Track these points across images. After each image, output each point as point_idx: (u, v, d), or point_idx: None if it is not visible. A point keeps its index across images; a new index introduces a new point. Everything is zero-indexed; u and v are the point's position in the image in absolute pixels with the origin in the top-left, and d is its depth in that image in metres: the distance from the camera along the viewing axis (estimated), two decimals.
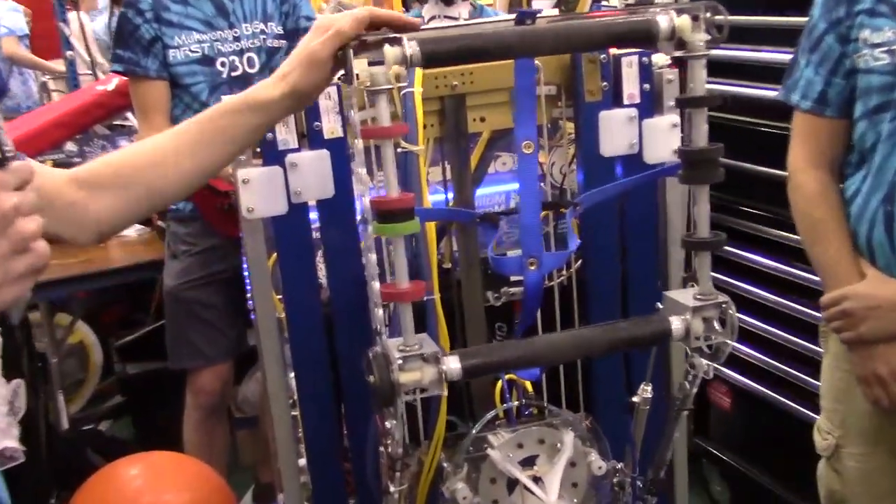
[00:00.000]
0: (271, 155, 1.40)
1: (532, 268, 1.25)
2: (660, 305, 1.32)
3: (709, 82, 1.20)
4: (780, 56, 2.08)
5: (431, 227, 1.33)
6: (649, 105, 1.54)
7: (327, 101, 1.40)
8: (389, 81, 1.12)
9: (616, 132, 1.52)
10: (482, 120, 1.54)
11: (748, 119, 2.32)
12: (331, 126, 1.42)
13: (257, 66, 2.44)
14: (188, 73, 2.40)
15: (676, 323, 1.22)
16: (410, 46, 1.10)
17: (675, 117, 1.54)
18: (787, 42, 2.06)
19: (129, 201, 1.18)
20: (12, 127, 2.78)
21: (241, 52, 2.44)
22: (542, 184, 1.66)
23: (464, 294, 1.58)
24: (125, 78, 2.48)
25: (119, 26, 2.40)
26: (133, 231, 2.90)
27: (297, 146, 1.42)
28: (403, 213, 1.13)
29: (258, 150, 1.41)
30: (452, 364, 1.13)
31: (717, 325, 1.25)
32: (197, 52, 2.40)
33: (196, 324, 2.49)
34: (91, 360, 3.69)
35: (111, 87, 2.77)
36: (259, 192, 1.40)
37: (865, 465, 1.65)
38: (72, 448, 2.70)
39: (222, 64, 2.42)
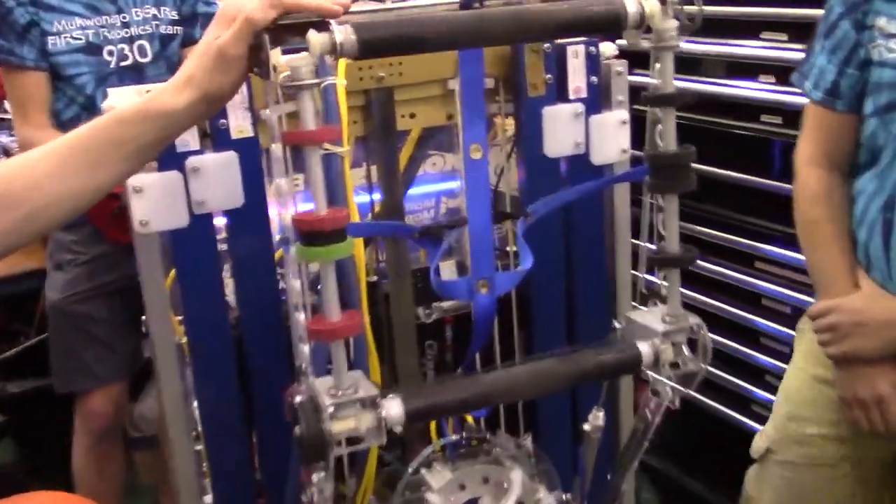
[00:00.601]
0: (168, 158, 1.19)
1: (483, 291, 1.08)
2: (617, 325, 1.17)
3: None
4: (744, 50, 1.96)
5: (359, 242, 1.15)
6: (596, 100, 1.39)
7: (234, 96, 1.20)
8: (315, 75, 0.93)
9: (561, 130, 1.37)
10: (412, 116, 1.37)
11: (709, 118, 2.16)
12: (239, 124, 1.22)
13: (150, 55, 2.20)
14: (71, 62, 2.14)
15: (645, 349, 1.07)
16: (342, 32, 0.92)
17: (623, 113, 1.40)
18: (748, 34, 1.94)
19: (7, 225, 0.96)
20: None
21: (130, 40, 2.19)
22: None
23: (393, 312, 1.41)
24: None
25: None
26: None
27: (198, 148, 1.21)
28: (334, 234, 0.94)
29: None
30: (394, 410, 0.96)
31: (685, 349, 1.12)
32: (80, 39, 2.14)
33: (85, 341, 2.24)
34: None
35: None
36: (154, 203, 1.19)
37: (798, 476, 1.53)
38: None
39: (110, 52, 2.17)
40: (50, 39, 2.12)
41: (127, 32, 2.19)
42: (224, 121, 1.20)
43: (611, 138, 1.39)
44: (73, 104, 2.15)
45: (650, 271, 1.16)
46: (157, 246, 1.22)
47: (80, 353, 2.24)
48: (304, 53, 0.93)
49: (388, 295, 1.40)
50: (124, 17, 2.19)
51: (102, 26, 2.16)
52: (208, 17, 2.28)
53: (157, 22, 2.23)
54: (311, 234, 0.94)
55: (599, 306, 1.43)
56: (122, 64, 2.18)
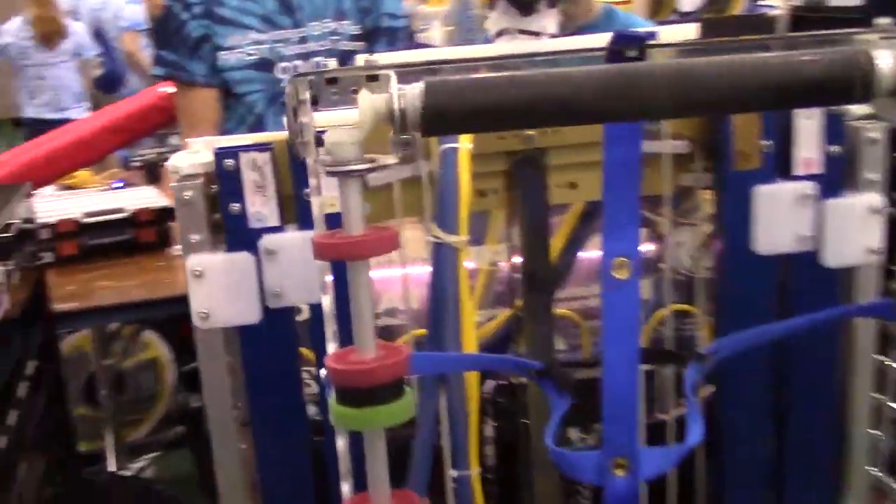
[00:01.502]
0: (238, 235, 0.93)
1: (619, 474, 0.73)
2: None
3: None
4: None
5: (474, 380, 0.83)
6: (836, 178, 0.98)
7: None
8: (362, 157, 0.62)
9: (781, 217, 0.97)
10: (573, 186, 1.02)
11: None
12: (331, 194, 0.93)
13: None
14: (243, 79, 1.96)
15: None
16: (405, 93, 0.60)
17: (875, 198, 0.98)
18: None
19: None
20: (61, 132, 2.45)
21: (306, 56, 1.99)
22: (661, 269, 1.14)
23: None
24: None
25: (162, 22, 1.99)
26: None
27: (277, 224, 0.94)
28: (384, 391, 0.63)
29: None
30: None
31: None
32: (254, 54, 1.96)
33: None
34: (164, 380, 3.36)
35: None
36: (218, 291, 0.93)
37: None
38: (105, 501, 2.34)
39: (284, 70, 1.97)
40: (222, 55, 1.95)
41: (303, 48, 1.99)
42: (307, 189, 0.92)
43: (855, 232, 0.97)
44: (242, 124, 1.97)
45: None
46: (223, 347, 0.96)
47: None
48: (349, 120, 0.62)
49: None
50: (301, 32, 1.99)
51: (277, 41, 1.97)
52: (393, 33, 2.04)
53: (336, 37, 2.01)
54: (347, 390, 0.63)
55: (821, 479, 1.02)
56: None
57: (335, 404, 0.64)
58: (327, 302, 0.66)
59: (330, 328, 0.67)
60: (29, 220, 2.27)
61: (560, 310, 1.16)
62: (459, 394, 0.87)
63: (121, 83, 5.15)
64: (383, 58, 0.67)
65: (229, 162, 0.91)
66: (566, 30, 1.10)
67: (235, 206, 0.92)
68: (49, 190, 2.66)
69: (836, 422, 1.04)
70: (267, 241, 0.93)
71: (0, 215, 1.50)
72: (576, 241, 1.08)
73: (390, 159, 0.64)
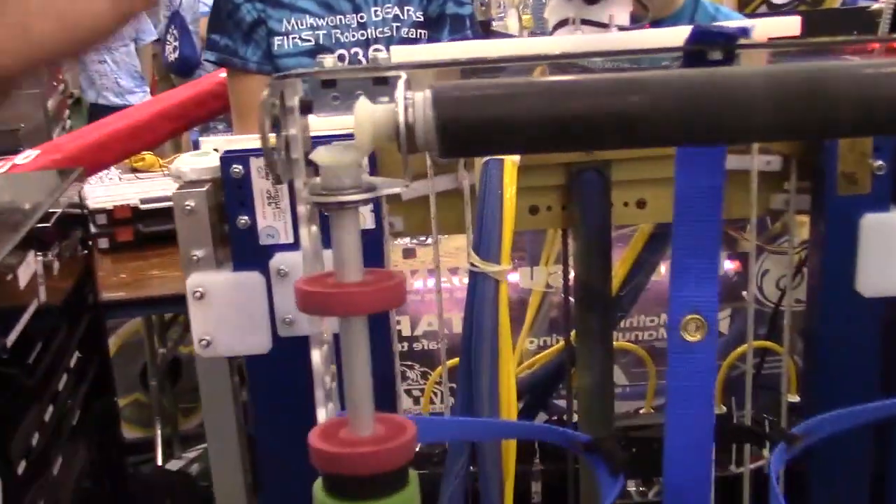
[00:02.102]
0: (247, 253, 0.80)
1: None
2: None
3: None
4: None
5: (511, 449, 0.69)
6: None
7: None
8: (360, 183, 0.48)
9: (893, 254, 0.80)
10: (641, 205, 0.87)
11: None
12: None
13: None
14: (296, 66, 1.84)
15: None
16: (413, 101, 0.46)
17: None
18: None
19: None
20: (116, 117, 2.37)
21: (366, 43, 1.85)
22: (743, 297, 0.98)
23: None
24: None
25: (216, 5, 1.88)
26: None
27: (291, 241, 0.81)
28: (383, 481, 0.50)
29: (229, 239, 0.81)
30: None
31: None
32: (309, 40, 1.84)
33: None
34: None
35: None
36: (223, 315, 0.81)
37: None
38: (147, 498, 2.27)
39: (341, 57, 1.85)
40: (276, 40, 1.83)
41: (363, 34, 1.86)
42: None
43: None
44: None
45: None
46: (228, 377, 0.84)
47: None
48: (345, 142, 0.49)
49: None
50: (361, 17, 1.86)
51: (336, 27, 1.85)
52: (459, 20, 1.90)
53: (398, 24, 1.87)
54: (335, 478, 0.50)
55: None
56: None
57: (319, 491, 0.51)
58: (318, 358, 0.53)
59: (321, 390, 0.54)
60: (79, 206, 2.20)
61: (621, 342, 1.01)
62: (493, 458, 0.73)
63: (197, 67, 5.13)
64: (399, 53, 0.53)
65: (237, 168, 0.79)
66: (641, 22, 0.95)
67: (243, 220, 0.79)
68: (113, 173, 2.60)
69: None
70: (279, 260, 0.80)
71: (44, 202, 1.42)
72: (642, 267, 0.93)
73: (397, 186, 0.50)
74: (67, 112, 5.27)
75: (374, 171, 0.80)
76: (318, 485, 0.52)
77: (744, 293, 1.14)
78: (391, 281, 0.49)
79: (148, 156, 2.75)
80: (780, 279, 1.02)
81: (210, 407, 0.86)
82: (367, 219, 0.80)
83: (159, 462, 2.62)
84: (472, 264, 0.75)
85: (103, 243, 2.20)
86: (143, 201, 2.21)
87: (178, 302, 2.08)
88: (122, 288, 2.04)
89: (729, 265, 1.29)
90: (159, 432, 2.62)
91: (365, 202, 0.48)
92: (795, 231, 0.91)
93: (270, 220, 0.80)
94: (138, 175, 2.65)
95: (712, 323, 0.56)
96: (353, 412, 0.50)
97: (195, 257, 0.80)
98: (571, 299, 0.92)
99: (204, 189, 0.79)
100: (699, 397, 0.56)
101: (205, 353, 0.81)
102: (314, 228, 0.54)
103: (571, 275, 0.89)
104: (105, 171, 2.65)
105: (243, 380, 0.92)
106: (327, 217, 0.49)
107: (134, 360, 2.82)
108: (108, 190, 2.43)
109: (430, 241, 1.22)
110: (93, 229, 2.18)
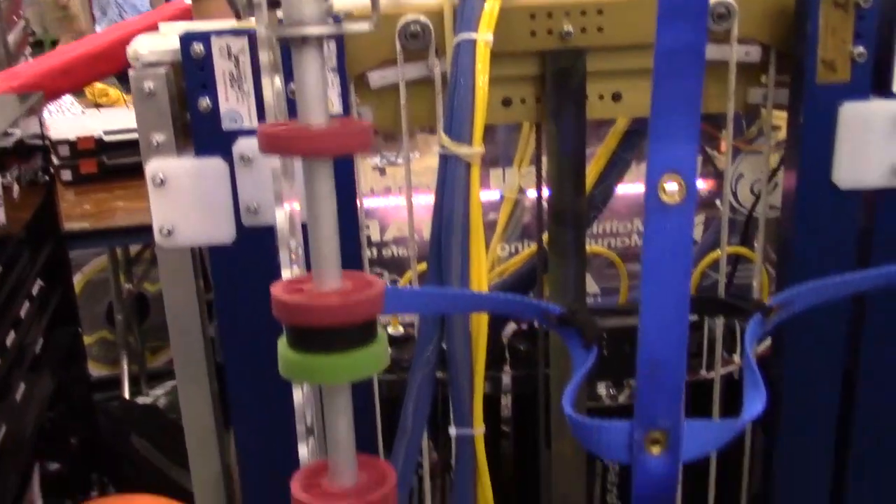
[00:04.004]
0: (208, 138, 0.77)
1: (655, 451, 0.57)
2: None
3: None
4: None
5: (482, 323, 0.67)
6: None
7: None
8: (326, 17, 0.46)
9: (871, 144, 0.79)
10: (617, 98, 0.85)
11: None
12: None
13: None
14: None
15: None
16: None
17: None
18: None
19: None
20: (79, 43, 2.30)
21: None
22: (717, 206, 0.97)
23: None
24: None
25: None
26: None
27: (255, 126, 0.78)
28: (349, 333, 0.48)
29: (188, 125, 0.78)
30: None
31: None
32: None
33: None
34: None
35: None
36: (184, 203, 0.78)
37: None
38: (114, 429, 2.25)
39: None
40: None
41: None
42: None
43: None
44: None
45: None
46: (191, 270, 0.81)
47: None
48: None
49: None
50: None
51: None
52: None
53: None
54: (300, 331, 0.48)
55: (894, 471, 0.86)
56: None
57: (284, 348, 0.49)
58: (283, 217, 0.51)
59: (286, 251, 0.51)
60: (40, 136, 2.14)
61: (594, 247, 0.99)
62: (462, 339, 0.71)
63: None
64: None
65: (198, 48, 0.75)
66: None
67: (205, 103, 0.76)
68: (76, 107, 2.54)
69: None
70: (242, 145, 0.77)
71: (1, 123, 1.38)
72: (616, 166, 0.90)
73: (364, 24, 0.47)
74: (29, 50, 5.13)
75: (342, 56, 0.77)
76: (282, 341, 0.50)
77: (717, 201, 1.13)
78: (357, 126, 0.47)
79: (112, 90, 2.68)
80: (754, 183, 1.01)
81: (173, 306, 0.83)
82: (335, 104, 0.77)
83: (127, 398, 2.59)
84: (443, 146, 0.72)
85: (66, 175, 2.16)
86: (107, 133, 2.16)
87: (143, 233, 2.04)
88: (86, 219, 2.00)
89: (702, 184, 1.27)
90: (126, 368, 2.59)
91: (329, 36, 0.45)
92: (771, 129, 0.90)
93: (233, 104, 0.77)
94: (100, 109, 2.59)
95: (691, 185, 0.54)
96: (318, 264, 0.48)
97: (155, 142, 0.77)
98: (545, 202, 0.90)
99: (163, 70, 0.76)
100: (675, 264, 0.55)
101: (166, 244, 0.78)
102: (277, 81, 0.51)
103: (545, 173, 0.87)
104: (68, 105, 2.59)
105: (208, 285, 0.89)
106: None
107: (99, 298, 2.78)
108: (70, 122, 2.37)
109: (399, 160, 1.20)
110: (55, 161, 2.13)
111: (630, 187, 1.07)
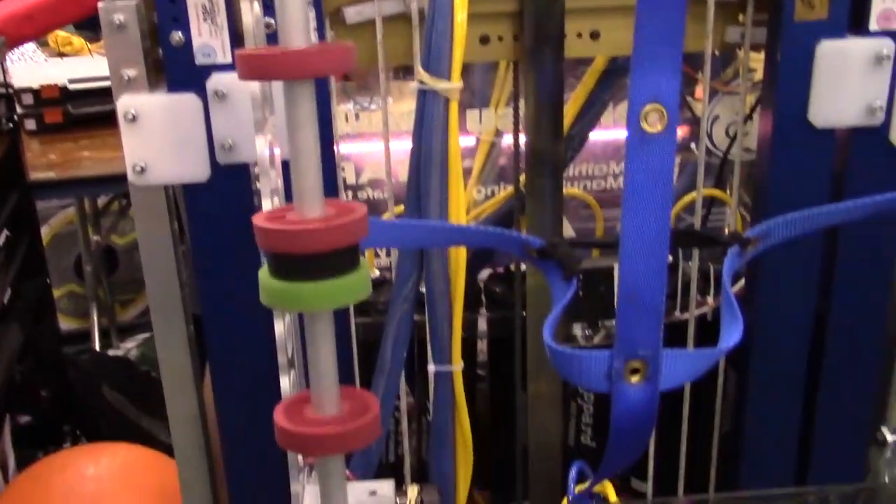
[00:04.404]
0: (181, 73, 0.76)
1: (634, 380, 0.57)
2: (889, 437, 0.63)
3: None
4: None
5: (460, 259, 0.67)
6: None
7: None
8: None
9: (847, 82, 0.79)
10: (595, 37, 0.85)
11: None
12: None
13: None
14: None
15: None
16: None
17: None
18: None
19: None
20: None
21: None
22: (692, 150, 0.97)
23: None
24: None
25: None
26: None
27: (230, 61, 0.76)
28: (332, 259, 0.47)
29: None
30: None
31: None
32: None
33: None
34: None
35: None
36: (157, 140, 0.77)
37: None
38: (85, 381, 2.23)
39: None
40: None
41: None
42: (271, 19, 0.74)
43: None
44: None
45: None
46: (165, 208, 0.80)
47: None
48: None
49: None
50: None
51: None
52: None
53: None
54: (282, 258, 0.48)
55: (861, 408, 0.87)
56: None
57: (266, 277, 0.49)
58: (263, 146, 0.50)
59: (268, 183, 0.51)
60: (3, 84, 2.09)
61: (570, 190, 0.99)
62: (441, 275, 0.71)
63: None
64: None
65: None
66: None
67: (177, 36, 0.75)
68: (39, 55, 2.48)
69: (883, 324, 0.89)
70: (216, 81, 0.76)
71: None
72: (594, 106, 0.90)
73: None
74: None
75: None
76: (263, 271, 0.49)
77: (692, 145, 1.13)
78: (339, 46, 0.46)
79: (76, 39, 2.62)
80: (729, 125, 1.01)
81: (148, 246, 0.82)
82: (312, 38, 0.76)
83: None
84: (421, 82, 0.71)
85: (31, 125, 2.12)
86: (73, 81, 2.11)
87: (111, 183, 2.01)
88: (51, 168, 1.97)
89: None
90: (96, 321, 2.57)
91: None
92: (747, 72, 0.90)
93: (207, 38, 0.75)
94: (65, 58, 2.54)
95: (673, 114, 0.54)
96: (299, 190, 0.48)
97: (126, 77, 0.75)
98: (522, 145, 0.90)
99: (133, 2, 0.74)
100: (656, 193, 0.55)
101: (139, 182, 0.77)
102: (256, 6, 0.50)
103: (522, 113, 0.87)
104: (31, 53, 2.53)
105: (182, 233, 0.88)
106: None
107: (67, 250, 2.75)
108: (34, 70, 2.32)
109: (373, 106, 1.18)
110: (19, 110, 2.09)
111: (606, 132, 1.07)
